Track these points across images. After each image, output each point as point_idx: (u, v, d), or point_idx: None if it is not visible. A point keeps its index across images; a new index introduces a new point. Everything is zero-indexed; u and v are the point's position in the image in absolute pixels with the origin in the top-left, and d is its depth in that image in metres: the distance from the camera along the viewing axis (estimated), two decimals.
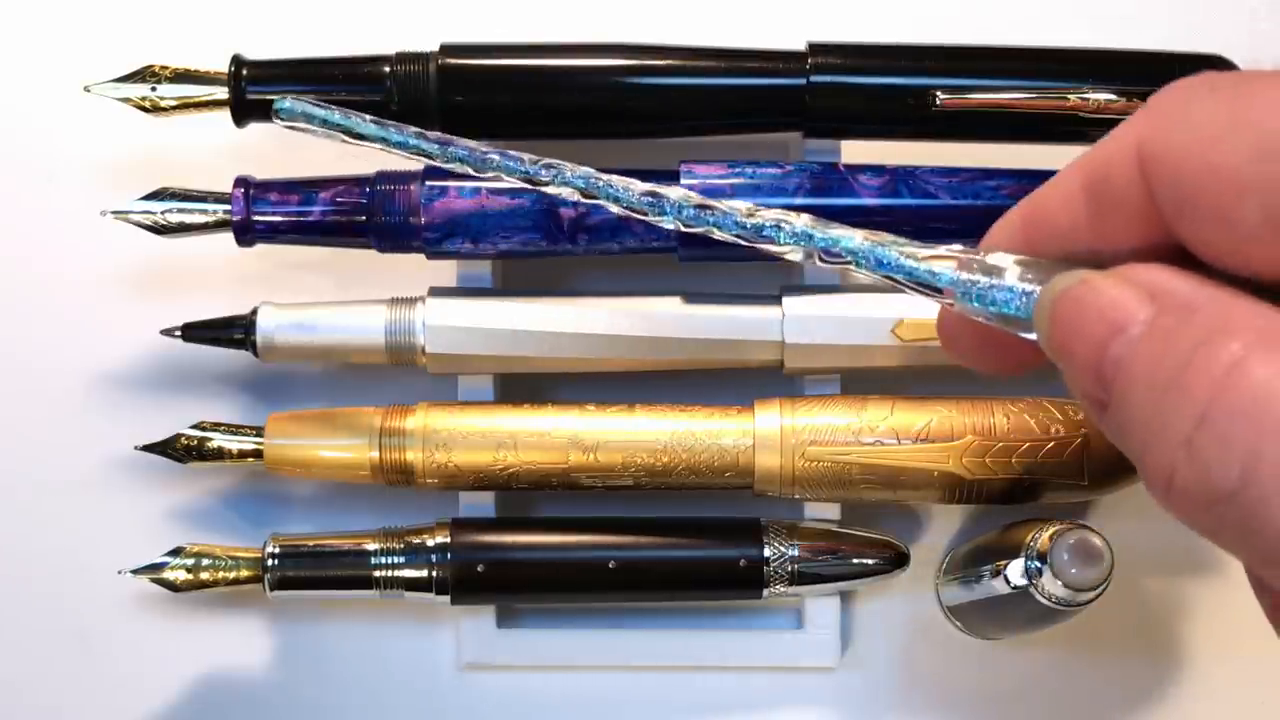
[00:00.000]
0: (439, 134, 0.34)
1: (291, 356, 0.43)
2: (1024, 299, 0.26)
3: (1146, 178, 0.25)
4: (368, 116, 0.35)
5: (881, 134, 0.43)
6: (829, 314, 0.42)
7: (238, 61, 0.42)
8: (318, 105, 0.35)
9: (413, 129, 0.34)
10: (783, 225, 0.30)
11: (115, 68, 0.42)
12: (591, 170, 0.33)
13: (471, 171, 0.34)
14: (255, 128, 0.42)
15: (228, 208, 0.42)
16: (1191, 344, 0.23)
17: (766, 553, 0.43)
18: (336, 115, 0.35)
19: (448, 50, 0.42)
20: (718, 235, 0.31)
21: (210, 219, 0.42)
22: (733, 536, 0.43)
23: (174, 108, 0.42)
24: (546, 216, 0.42)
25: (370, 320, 0.43)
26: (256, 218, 0.42)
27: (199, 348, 0.43)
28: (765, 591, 0.43)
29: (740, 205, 0.31)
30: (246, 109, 0.42)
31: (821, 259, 0.29)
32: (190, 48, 0.43)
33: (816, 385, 0.44)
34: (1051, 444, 0.42)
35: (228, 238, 0.42)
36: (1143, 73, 0.41)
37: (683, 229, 0.31)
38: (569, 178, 0.33)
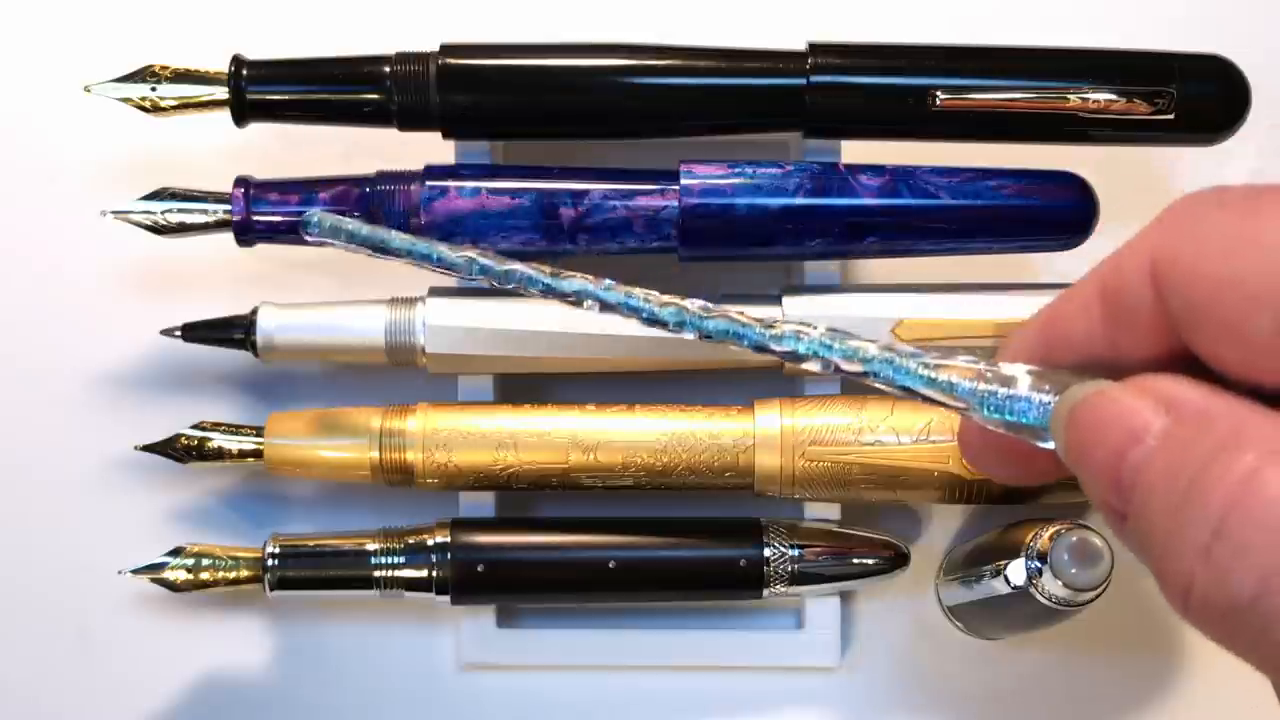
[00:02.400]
0: (468, 250, 0.34)
1: (291, 356, 0.43)
2: (1040, 409, 0.27)
3: (1159, 290, 0.25)
4: (395, 233, 0.34)
5: (881, 134, 0.42)
6: (829, 314, 0.42)
7: (238, 61, 0.41)
8: (347, 220, 0.35)
9: (443, 245, 0.34)
10: (801, 335, 0.30)
11: (115, 68, 0.42)
12: (612, 283, 0.33)
13: (496, 285, 0.34)
14: (255, 128, 0.42)
15: (228, 208, 0.42)
16: (1207, 453, 0.23)
17: (766, 553, 0.43)
18: (365, 230, 0.35)
19: (448, 50, 0.42)
20: (734, 347, 0.31)
21: (210, 219, 0.42)
22: (733, 536, 0.43)
23: (174, 108, 0.42)
24: (546, 216, 0.42)
25: (370, 320, 0.43)
26: (256, 218, 0.42)
27: (199, 348, 0.43)
28: (765, 591, 0.43)
29: (757, 318, 0.31)
30: (246, 109, 0.42)
31: (839, 370, 0.30)
32: (190, 48, 0.43)
33: (816, 385, 0.44)
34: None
35: (228, 238, 0.42)
36: (1143, 73, 0.41)
37: (702, 339, 0.32)
38: (594, 292, 0.33)
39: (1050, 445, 0.27)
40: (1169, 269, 0.25)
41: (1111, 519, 0.25)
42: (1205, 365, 0.25)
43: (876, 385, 0.29)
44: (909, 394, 0.29)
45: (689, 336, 0.32)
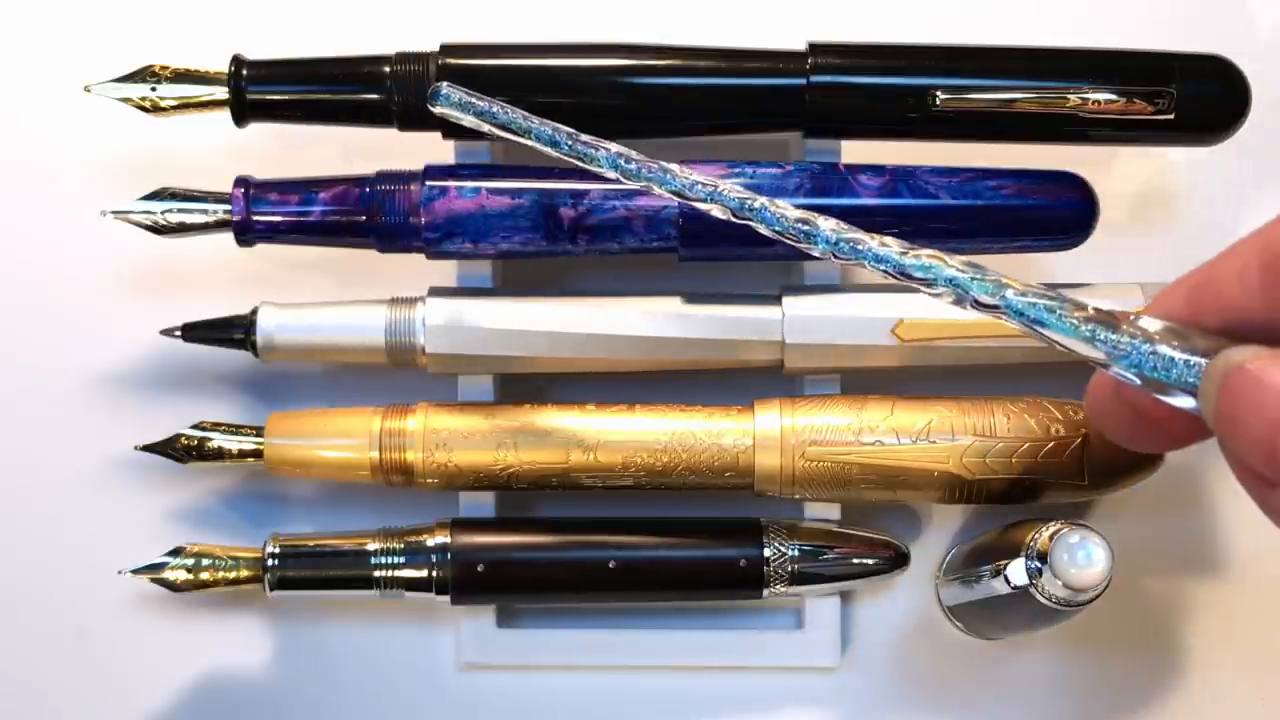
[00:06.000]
0: (591, 138, 0.33)
1: (291, 356, 0.43)
2: (1187, 369, 0.26)
3: None
4: (526, 115, 0.34)
5: (881, 134, 0.42)
6: (829, 314, 0.42)
7: (238, 61, 0.42)
8: (477, 97, 0.34)
9: (567, 131, 0.33)
10: (937, 266, 0.29)
11: (115, 68, 0.42)
12: (746, 192, 0.32)
13: (622, 180, 0.33)
14: (255, 128, 0.42)
15: (228, 208, 0.42)
16: None
17: (766, 553, 0.43)
18: (495, 109, 0.34)
19: (448, 50, 0.42)
20: (867, 269, 0.30)
21: (210, 219, 0.42)
22: (733, 536, 0.43)
23: (174, 108, 0.42)
24: (546, 216, 0.42)
25: (370, 320, 0.43)
26: (256, 218, 0.42)
27: (199, 348, 0.43)
28: (765, 591, 0.43)
29: (894, 243, 0.30)
30: (246, 109, 0.42)
31: (974, 305, 0.29)
32: (190, 48, 0.43)
33: (816, 385, 0.44)
34: (1051, 444, 0.42)
35: (228, 238, 0.42)
36: (1142, 73, 0.41)
37: (834, 259, 0.31)
38: (722, 197, 0.32)
39: (1190, 406, 0.26)
40: None
41: (1256, 487, 0.24)
42: None
43: (1010, 324, 0.28)
44: (1042, 337, 0.27)
45: (817, 254, 0.31)
